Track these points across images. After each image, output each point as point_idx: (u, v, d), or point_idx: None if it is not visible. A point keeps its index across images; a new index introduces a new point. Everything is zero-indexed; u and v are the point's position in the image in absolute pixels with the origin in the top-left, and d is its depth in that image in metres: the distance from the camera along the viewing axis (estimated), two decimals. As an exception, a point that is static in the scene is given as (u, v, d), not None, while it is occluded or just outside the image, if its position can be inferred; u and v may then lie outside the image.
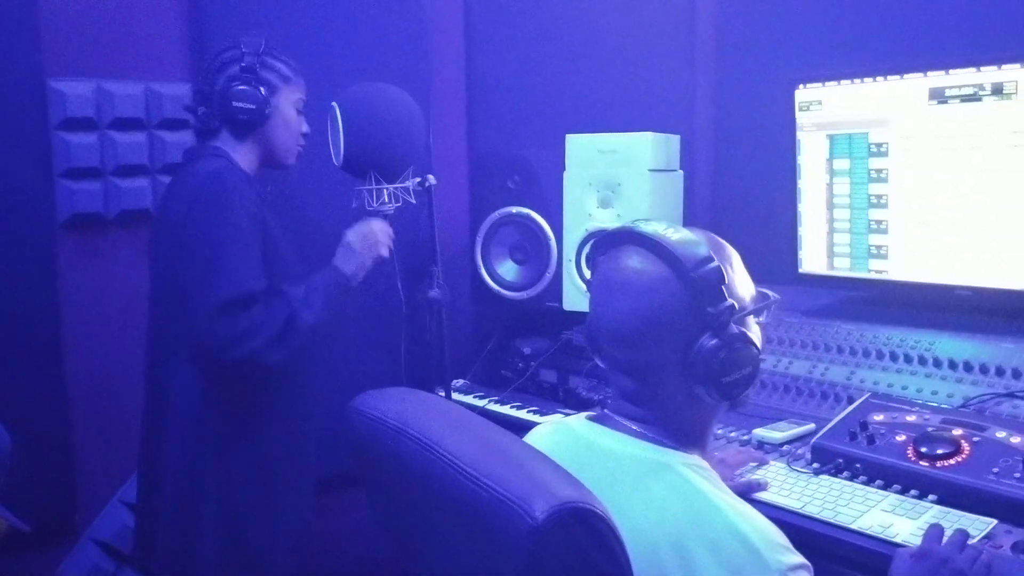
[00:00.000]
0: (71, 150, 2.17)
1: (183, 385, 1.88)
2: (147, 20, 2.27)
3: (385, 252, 2.07)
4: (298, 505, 2.00)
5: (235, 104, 1.90)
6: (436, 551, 1.13)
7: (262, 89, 1.93)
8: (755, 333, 1.22)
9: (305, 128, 2.06)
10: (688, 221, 2.53)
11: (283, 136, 2.00)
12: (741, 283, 1.23)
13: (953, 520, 1.43)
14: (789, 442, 1.85)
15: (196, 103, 1.99)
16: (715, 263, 1.14)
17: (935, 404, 1.81)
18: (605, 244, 1.24)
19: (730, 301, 1.14)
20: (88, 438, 2.26)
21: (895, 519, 1.46)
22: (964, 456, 1.56)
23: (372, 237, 2.04)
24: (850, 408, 1.82)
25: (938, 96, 2.00)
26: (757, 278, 1.29)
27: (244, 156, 1.97)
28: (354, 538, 2.46)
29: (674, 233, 1.16)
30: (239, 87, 1.90)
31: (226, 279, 1.75)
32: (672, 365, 1.16)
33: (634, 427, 1.20)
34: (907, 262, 2.12)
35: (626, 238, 1.20)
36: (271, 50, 1.97)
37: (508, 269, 2.60)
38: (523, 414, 2.31)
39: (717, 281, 1.14)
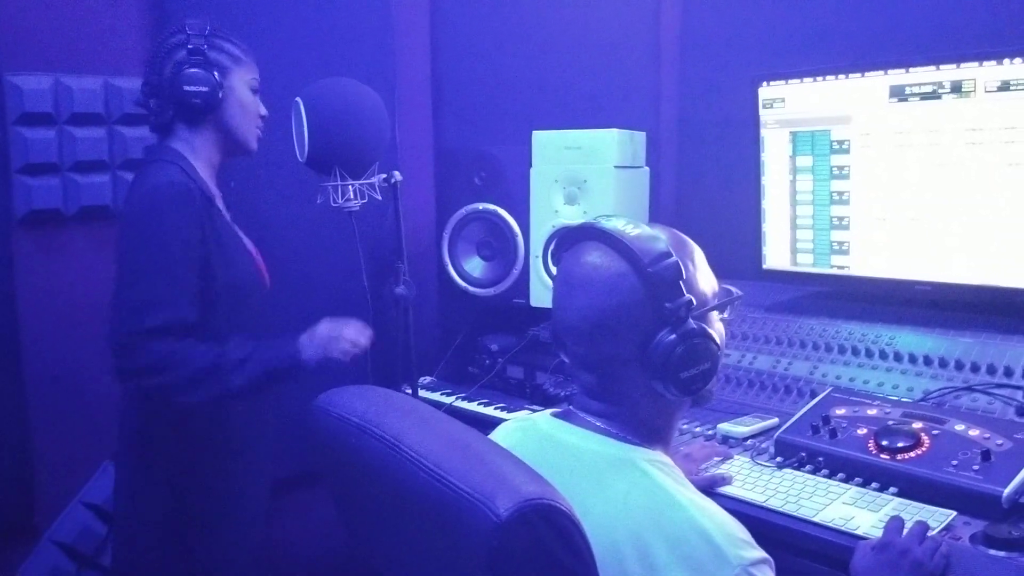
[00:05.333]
0: (28, 145, 2.13)
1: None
2: (106, 14, 2.23)
3: (346, 356, 1.90)
4: (252, 505, 1.98)
5: (186, 88, 1.83)
6: (400, 548, 1.13)
7: (214, 71, 1.86)
8: (717, 329, 1.22)
9: (263, 110, 1.99)
10: (653, 217, 2.54)
11: (240, 118, 1.93)
12: (703, 279, 1.24)
13: (913, 512, 1.45)
14: (753, 436, 1.87)
15: (147, 96, 1.91)
16: (672, 259, 1.15)
17: (896, 398, 1.83)
18: (567, 240, 1.25)
19: (687, 297, 1.15)
20: (47, 437, 2.22)
21: (857, 512, 1.48)
22: (924, 449, 1.58)
23: (339, 332, 1.90)
24: (813, 402, 1.84)
25: (898, 94, 2.03)
26: (721, 274, 1.30)
27: (204, 148, 1.90)
28: (319, 535, 2.45)
29: (633, 229, 1.17)
30: (189, 71, 1.84)
31: (147, 306, 1.70)
32: (631, 360, 1.16)
33: (597, 423, 1.21)
34: (868, 258, 2.15)
35: (587, 234, 1.21)
36: (218, 31, 1.92)
37: (475, 265, 2.59)
38: (490, 411, 2.31)
39: (674, 277, 1.14)
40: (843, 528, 1.44)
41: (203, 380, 1.73)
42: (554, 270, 1.28)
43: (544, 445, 1.22)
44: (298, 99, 2.06)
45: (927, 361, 1.91)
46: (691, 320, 1.15)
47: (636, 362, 1.16)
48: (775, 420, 1.91)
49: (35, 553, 2.20)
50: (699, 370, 1.16)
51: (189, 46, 1.85)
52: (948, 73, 1.94)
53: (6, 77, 2.11)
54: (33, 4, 2.14)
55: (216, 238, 1.84)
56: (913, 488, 1.52)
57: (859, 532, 1.42)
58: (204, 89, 1.84)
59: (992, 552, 1.33)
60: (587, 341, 1.18)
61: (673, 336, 1.14)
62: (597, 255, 1.18)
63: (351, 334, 1.91)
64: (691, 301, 1.15)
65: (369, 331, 1.96)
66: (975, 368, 1.84)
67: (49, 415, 2.23)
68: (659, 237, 1.17)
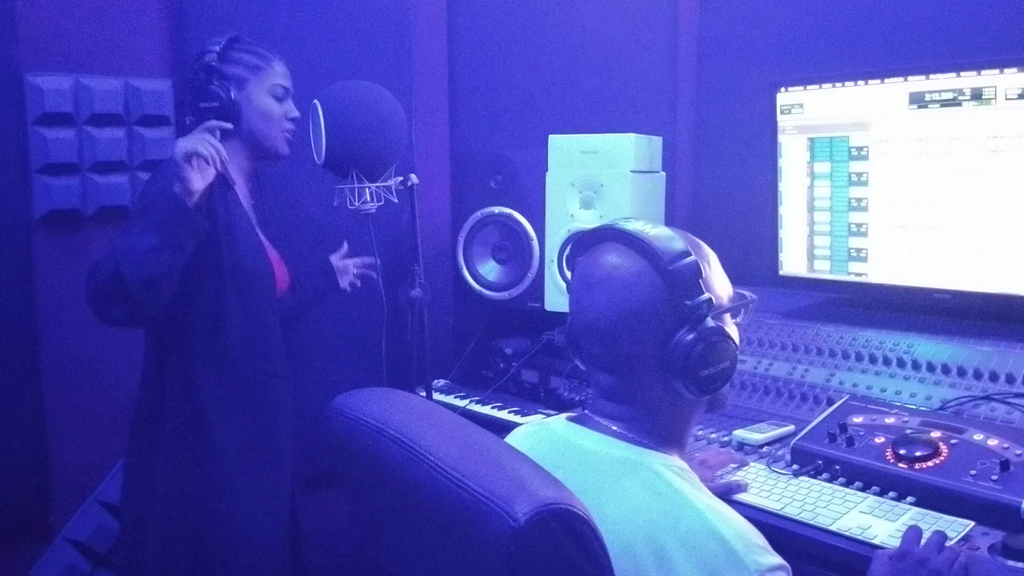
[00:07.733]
0: (48, 146, 2.14)
1: (148, 375, 1.92)
2: (126, 15, 2.24)
3: (201, 149, 1.72)
4: (271, 505, 1.98)
5: (202, 106, 1.91)
6: (416, 551, 1.13)
7: (231, 88, 1.92)
8: (732, 332, 1.22)
9: (292, 113, 2.03)
10: (669, 222, 2.51)
11: (262, 126, 1.99)
12: (718, 282, 1.24)
13: (931, 522, 1.44)
14: (769, 443, 1.86)
15: (181, 113, 2.01)
16: (692, 257, 1.15)
17: (913, 406, 1.82)
18: (585, 243, 1.25)
19: (707, 295, 1.15)
20: (63, 436, 2.23)
21: (874, 521, 1.47)
22: (942, 458, 1.57)
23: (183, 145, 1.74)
24: (830, 410, 1.83)
25: (918, 101, 2.02)
26: (737, 280, 1.30)
27: (232, 156, 1.94)
28: (334, 537, 2.45)
29: (652, 229, 1.17)
30: (202, 90, 1.91)
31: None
32: (650, 359, 1.16)
33: (613, 427, 1.20)
34: (886, 265, 2.14)
35: (605, 235, 1.21)
36: (234, 43, 1.96)
37: (490, 269, 2.59)
38: (504, 414, 2.31)
39: (694, 275, 1.15)
40: (860, 537, 1.43)
41: (112, 265, 1.68)
42: (569, 274, 1.28)
43: (560, 449, 1.22)
44: (316, 101, 2.07)
45: (945, 370, 1.89)
46: (710, 319, 1.15)
47: (654, 361, 1.16)
48: (791, 427, 1.90)
49: (50, 551, 2.21)
50: (718, 369, 1.16)
51: (202, 65, 1.92)
52: (968, 80, 1.93)
53: (27, 77, 2.12)
54: (54, 5, 2.15)
55: (226, 216, 1.88)
56: (931, 498, 1.51)
57: (876, 541, 1.41)
58: (216, 105, 1.91)
59: (1011, 563, 1.32)
60: (605, 340, 1.18)
61: (693, 335, 1.14)
62: (616, 255, 1.18)
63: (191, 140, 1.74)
64: (711, 299, 1.15)
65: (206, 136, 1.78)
66: (994, 377, 1.82)
67: (65, 414, 2.24)
68: (678, 237, 1.18)
